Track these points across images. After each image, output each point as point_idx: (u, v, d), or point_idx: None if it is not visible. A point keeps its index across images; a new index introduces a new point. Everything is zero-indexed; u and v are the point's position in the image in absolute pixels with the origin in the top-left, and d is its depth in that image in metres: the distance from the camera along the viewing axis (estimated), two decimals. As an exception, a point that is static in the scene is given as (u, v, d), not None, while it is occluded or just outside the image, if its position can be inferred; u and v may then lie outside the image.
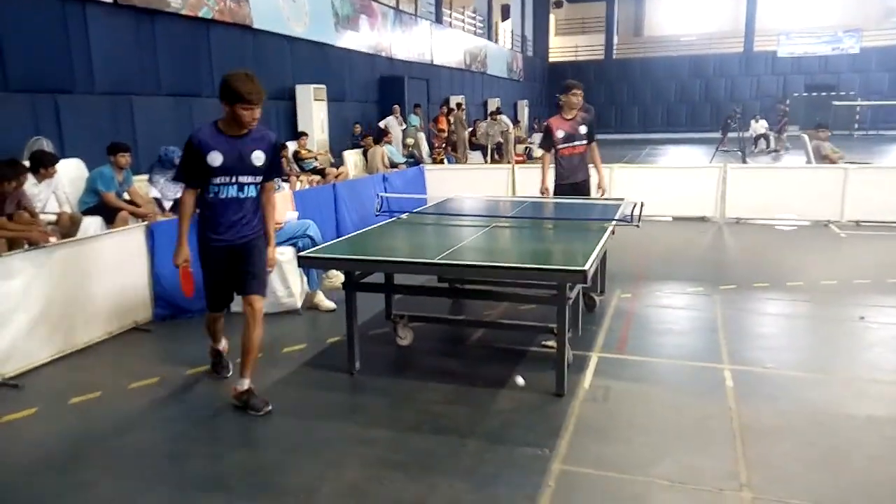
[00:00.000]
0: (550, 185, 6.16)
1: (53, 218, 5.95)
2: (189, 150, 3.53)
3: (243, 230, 3.67)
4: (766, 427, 3.41)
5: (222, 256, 3.68)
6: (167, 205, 7.29)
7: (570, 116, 6.00)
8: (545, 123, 6.42)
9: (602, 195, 6.20)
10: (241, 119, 3.46)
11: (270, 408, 3.64)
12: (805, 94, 28.42)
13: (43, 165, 5.95)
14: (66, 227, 5.86)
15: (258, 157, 3.61)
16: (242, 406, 3.68)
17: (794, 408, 3.63)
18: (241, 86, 3.39)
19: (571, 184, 6.05)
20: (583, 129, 5.96)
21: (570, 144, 5.97)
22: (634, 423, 3.50)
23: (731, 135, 19.20)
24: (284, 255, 5.42)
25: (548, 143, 6.15)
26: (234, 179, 3.57)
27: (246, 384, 3.70)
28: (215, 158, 3.49)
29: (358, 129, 13.02)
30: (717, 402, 3.70)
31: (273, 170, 3.79)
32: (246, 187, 3.62)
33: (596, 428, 3.45)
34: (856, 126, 26.89)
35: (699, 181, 9.54)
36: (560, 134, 5.99)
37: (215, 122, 3.58)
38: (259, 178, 3.66)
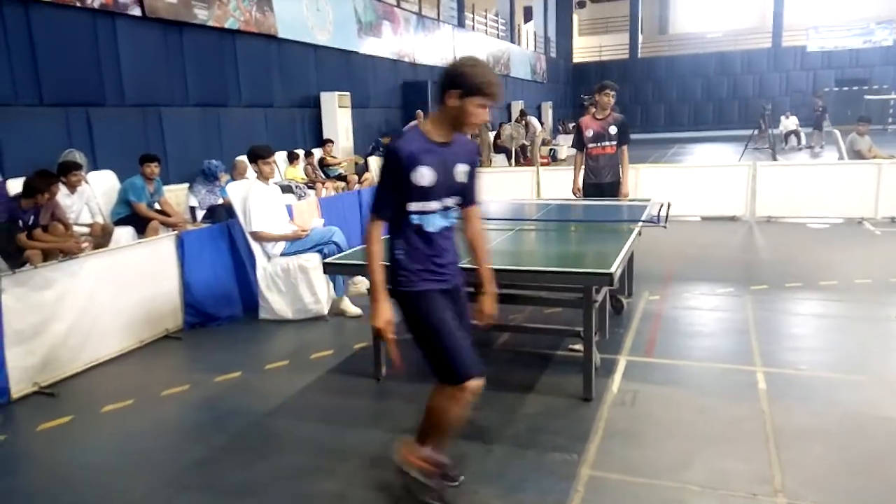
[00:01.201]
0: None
1: (86, 229, 6.08)
2: (391, 167, 2.58)
3: (453, 271, 2.79)
4: (800, 430, 3.34)
5: (448, 302, 2.74)
6: (200, 214, 7.47)
7: (601, 116, 5.99)
8: (576, 123, 6.42)
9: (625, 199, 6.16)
10: (469, 119, 2.59)
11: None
12: (836, 89, 27.83)
13: (68, 173, 6.10)
14: (99, 238, 5.98)
15: (462, 172, 2.71)
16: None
17: (828, 410, 3.55)
18: (482, 74, 2.58)
19: (596, 184, 6.03)
20: (612, 130, 5.94)
21: (599, 144, 5.97)
22: (664, 427, 3.45)
23: (751, 132, 18.89)
24: (311, 262, 5.47)
25: (579, 142, 6.16)
26: (440, 204, 2.66)
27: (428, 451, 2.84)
28: (424, 175, 2.57)
29: (387, 141, 12.78)
30: (749, 405, 3.63)
31: (475, 189, 2.84)
32: (449, 213, 2.73)
33: (625, 432, 3.41)
34: (889, 120, 26.22)
35: (728, 180, 9.40)
36: (589, 133, 6.01)
37: (415, 126, 2.74)
38: (458, 200, 2.75)
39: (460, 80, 2.56)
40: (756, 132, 19.13)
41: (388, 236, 2.72)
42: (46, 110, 7.05)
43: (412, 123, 14.24)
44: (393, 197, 2.61)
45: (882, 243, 7.69)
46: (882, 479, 2.90)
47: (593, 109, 6.22)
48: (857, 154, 9.71)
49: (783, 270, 6.52)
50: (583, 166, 6.15)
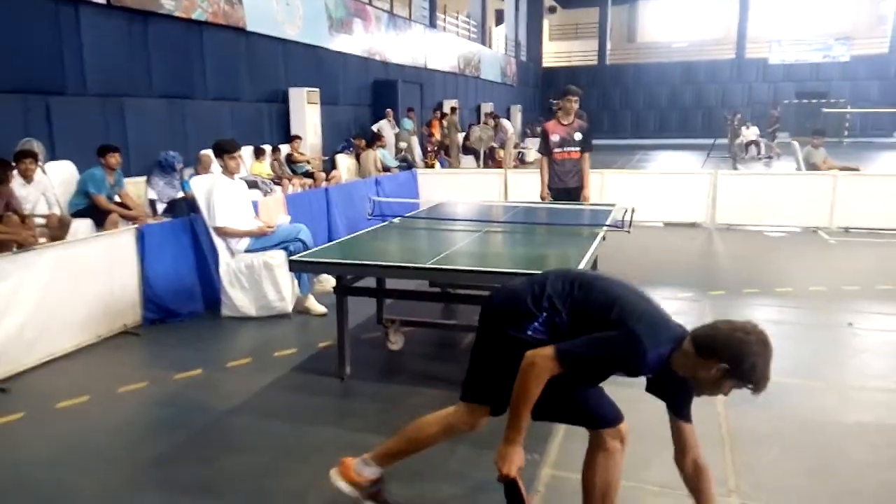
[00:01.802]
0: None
1: (43, 220, 5.92)
2: (621, 365, 2.33)
3: None
4: (755, 433, 3.42)
5: None
6: (160, 207, 7.32)
7: (566, 122, 6.06)
8: (541, 128, 6.49)
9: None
10: (711, 391, 2.31)
11: None
12: (796, 101, 28.62)
13: (22, 161, 5.94)
14: (56, 230, 5.82)
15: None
16: None
17: (782, 414, 3.65)
18: (763, 368, 2.17)
19: (563, 188, 6.11)
20: (577, 136, 6.02)
21: (565, 149, 6.05)
22: (624, 428, 3.50)
23: (721, 140, 19.32)
24: (276, 259, 5.41)
25: (545, 147, 6.23)
26: None
27: None
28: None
29: (362, 143, 12.30)
30: (706, 409, 3.70)
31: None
32: None
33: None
34: (846, 133, 27.08)
35: (690, 187, 9.59)
36: (555, 138, 6.08)
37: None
38: None
39: (739, 360, 2.10)
40: (733, 139, 19.59)
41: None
42: (3, 97, 6.84)
43: (380, 122, 14.22)
44: (595, 378, 2.39)
45: (836, 252, 7.94)
46: (834, 481, 3.00)
47: (560, 113, 6.30)
48: (812, 166, 10.00)
49: (741, 277, 6.68)
50: (548, 171, 6.22)
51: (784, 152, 19.92)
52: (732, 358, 2.09)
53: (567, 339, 2.25)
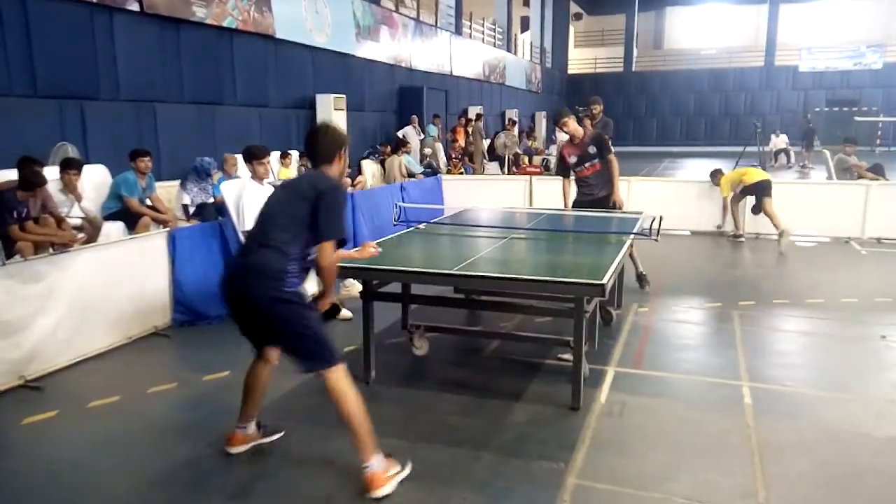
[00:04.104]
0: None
1: (78, 222, 6.04)
2: None
3: None
4: (784, 445, 3.37)
5: None
6: (192, 211, 7.44)
7: (577, 140, 6.06)
8: (559, 153, 6.51)
9: (619, 209, 6.20)
10: None
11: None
12: (826, 109, 28.16)
13: (66, 170, 6.07)
14: (89, 232, 5.95)
15: None
16: None
17: (812, 427, 3.60)
18: None
19: (594, 199, 6.10)
20: (592, 149, 6.03)
21: (584, 166, 6.07)
22: (650, 438, 3.48)
23: (750, 149, 19.04)
24: (302, 264, 5.45)
25: (563, 170, 6.28)
26: None
27: None
28: None
29: (388, 150, 12.40)
30: (735, 419, 3.67)
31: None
32: None
33: (611, 442, 3.43)
34: (878, 142, 26.57)
35: (719, 195, 9.48)
36: (572, 160, 6.13)
37: None
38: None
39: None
40: (762, 148, 19.25)
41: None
42: (40, 102, 7.01)
43: (405, 128, 14.29)
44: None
45: (868, 263, 7.79)
46: (863, 495, 2.94)
47: (587, 122, 6.28)
48: (844, 172, 9.84)
49: (771, 287, 6.58)
50: (573, 188, 6.23)
51: (814, 161, 19.59)
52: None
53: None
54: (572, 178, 6.20)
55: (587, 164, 6.04)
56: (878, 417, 3.74)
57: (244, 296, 3.00)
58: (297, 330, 2.96)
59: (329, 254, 2.96)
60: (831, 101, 28.81)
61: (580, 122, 6.31)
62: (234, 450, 3.32)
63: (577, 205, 6.17)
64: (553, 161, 19.84)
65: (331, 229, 2.95)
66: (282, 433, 3.46)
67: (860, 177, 9.61)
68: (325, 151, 3.12)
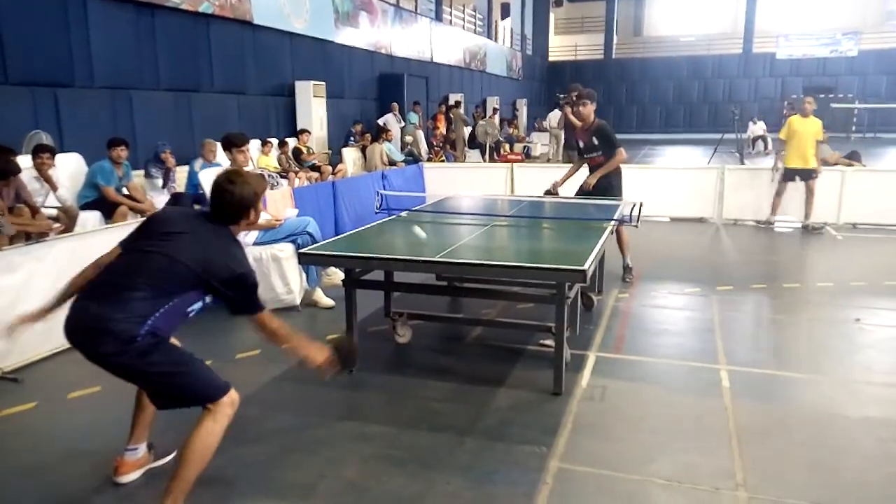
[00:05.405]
0: (567, 186, 6.30)
1: (54, 212, 5.95)
2: None
3: None
4: (762, 427, 3.44)
5: None
6: (161, 200, 7.36)
7: (584, 126, 6.15)
8: (575, 137, 6.58)
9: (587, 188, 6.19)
10: None
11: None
12: (803, 97, 28.46)
13: (38, 154, 5.97)
14: (65, 222, 5.86)
15: None
16: None
17: (789, 408, 3.67)
18: None
19: (594, 185, 6.13)
20: (595, 141, 6.09)
21: (589, 156, 6.16)
22: (631, 421, 3.52)
23: (728, 136, 19.22)
24: (284, 252, 5.43)
25: (578, 150, 6.38)
26: None
27: None
28: None
29: (359, 128, 12.87)
30: (714, 402, 3.73)
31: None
32: None
33: (593, 426, 3.47)
34: (853, 129, 26.96)
35: (697, 182, 9.58)
36: (581, 145, 6.25)
37: None
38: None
39: None
40: (740, 135, 19.45)
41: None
42: (12, 89, 6.87)
43: (386, 116, 14.24)
44: None
45: (843, 248, 7.92)
46: (841, 474, 3.01)
47: (568, 109, 6.31)
48: (821, 162, 9.95)
49: (748, 272, 6.67)
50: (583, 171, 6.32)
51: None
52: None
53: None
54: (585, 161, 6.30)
55: (592, 155, 6.15)
56: (852, 398, 3.83)
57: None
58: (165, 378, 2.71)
59: (268, 322, 2.72)
60: (808, 88, 29.08)
61: (560, 109, 6.34)
62: (125, 478, 2.97)
63: (578, 190, 6.21)
64: (533, 149, 19.92)
65: (255, 307, 2.72)
66: (173, 454, 3.00)
67: (836, 164, 9.74)
68: (233, 212, 2.74)
